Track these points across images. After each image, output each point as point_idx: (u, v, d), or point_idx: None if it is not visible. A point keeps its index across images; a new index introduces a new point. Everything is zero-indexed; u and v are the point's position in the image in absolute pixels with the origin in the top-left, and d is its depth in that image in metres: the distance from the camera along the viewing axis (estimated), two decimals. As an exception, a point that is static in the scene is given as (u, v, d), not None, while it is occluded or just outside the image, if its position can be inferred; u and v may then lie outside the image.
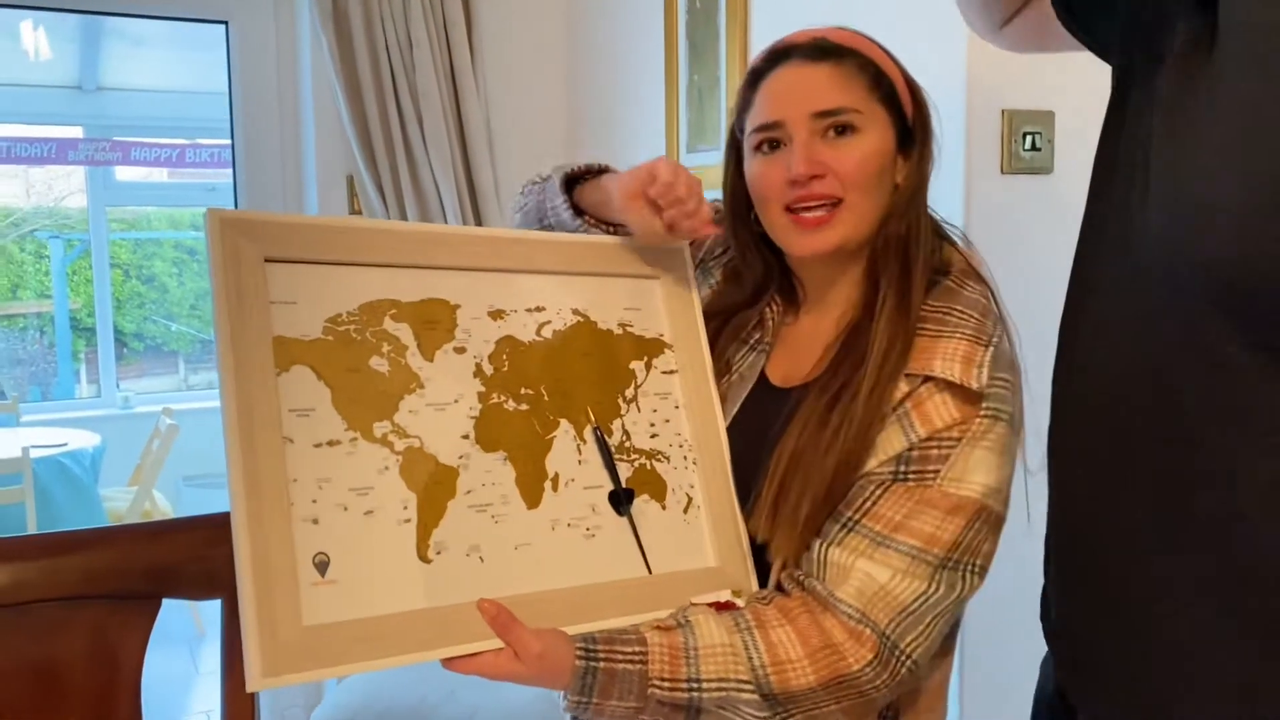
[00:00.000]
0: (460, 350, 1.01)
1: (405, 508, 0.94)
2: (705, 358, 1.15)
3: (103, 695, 1.18)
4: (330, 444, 0.92)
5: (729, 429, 1.15)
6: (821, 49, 1.08)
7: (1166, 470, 0.78)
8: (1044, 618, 0.99)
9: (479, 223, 2.39)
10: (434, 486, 0.96)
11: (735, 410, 1.16)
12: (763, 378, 1.16)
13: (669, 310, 1.16)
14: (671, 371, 1.14)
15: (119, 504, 4.42)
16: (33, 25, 5.02)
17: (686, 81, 2.28)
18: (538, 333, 1.07)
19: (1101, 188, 0.90)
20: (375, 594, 0.91)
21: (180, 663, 3.71)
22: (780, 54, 1.10)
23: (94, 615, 1.17)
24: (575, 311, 1.10)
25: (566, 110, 2.61)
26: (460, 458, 0.98)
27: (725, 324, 1.20)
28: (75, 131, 6.09)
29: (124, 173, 6.35)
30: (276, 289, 0.94)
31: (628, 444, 1.08)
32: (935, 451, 1.00)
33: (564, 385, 1.06)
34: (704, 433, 1.12)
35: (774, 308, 1.19)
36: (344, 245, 0.98)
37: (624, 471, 1.07)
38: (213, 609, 1.19)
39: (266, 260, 0.94)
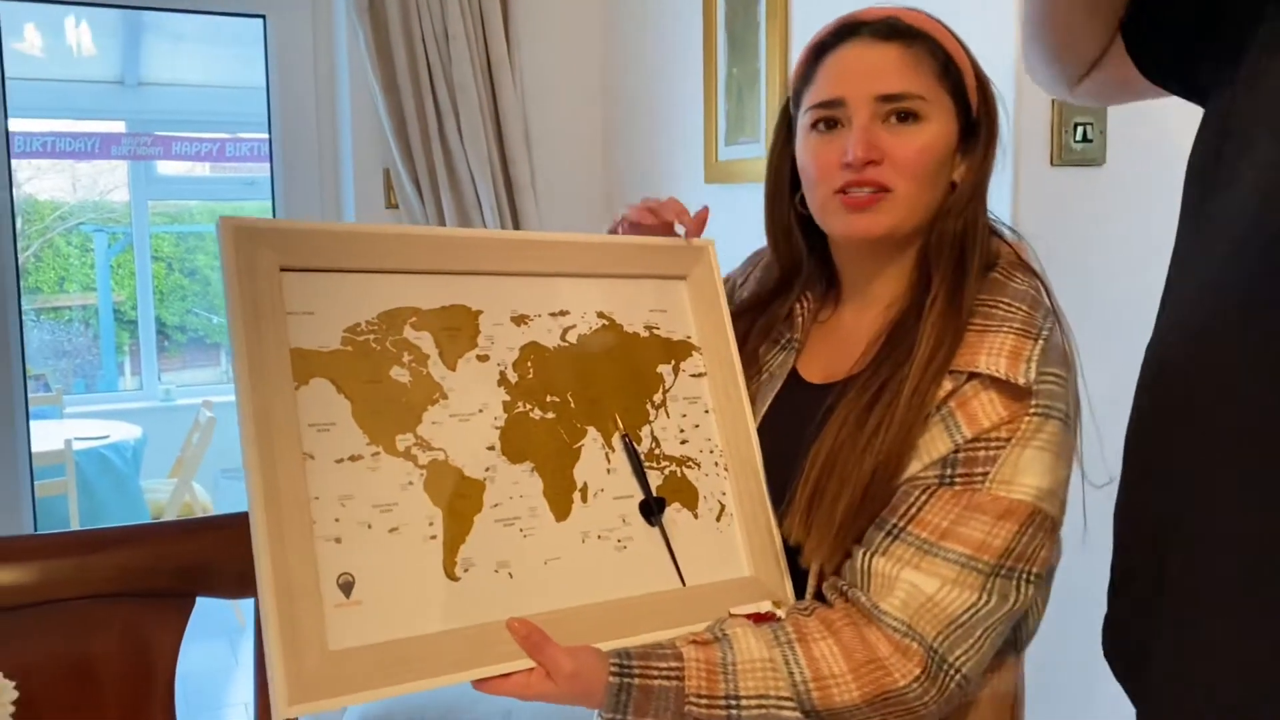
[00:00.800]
0: (483, 358, 0.99)
1: (431, 524, 0.92)
2: (734, 359, 1.12)
3: (137, 691, 1.18)
4: (352, 459, 0.90)
5: (760, 427, 1.11)
6: (892, 28, 1.03)
7: None
8: (1115, 653, 0.83)
9: (515, 216, 2.36)
10: (460, 501, 0.94)
11: (764, 410, 1.13)
12: (795, 376, 1.13)
13: (696, 311, 1.12)
14: (700, 374, 1.11)
15: (160, 496, 4.47)
16: (75, 22, 5.04)
17: (725, 74, 2.24)
18: (562, 338, 1.04)
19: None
20: (402, 615, 0.88)
21: (221, 655, 3.73)
22: (848, 29, 1.05)
23: (128, 612, 1.17)
24: (600, 314, 1.07)
25: (603, 105, 2.58)
26: (486, 470, 0.95)
27: (754, 322, 1.17)
28: (118, 126, 6.15)
29: (165, 167, 6.40)
30: (293, 299, 0.91)
31: (657, 451, 1.05)
32: (983, 453, 0.96)
33: (590, 392, 1.03)
34: (735, 437, 1.09)
35: (804, 303, 1.15)
36: (361, 252, 0.95)
37: (654, 480, 1.04)
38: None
39: (282, 269, 0.91)
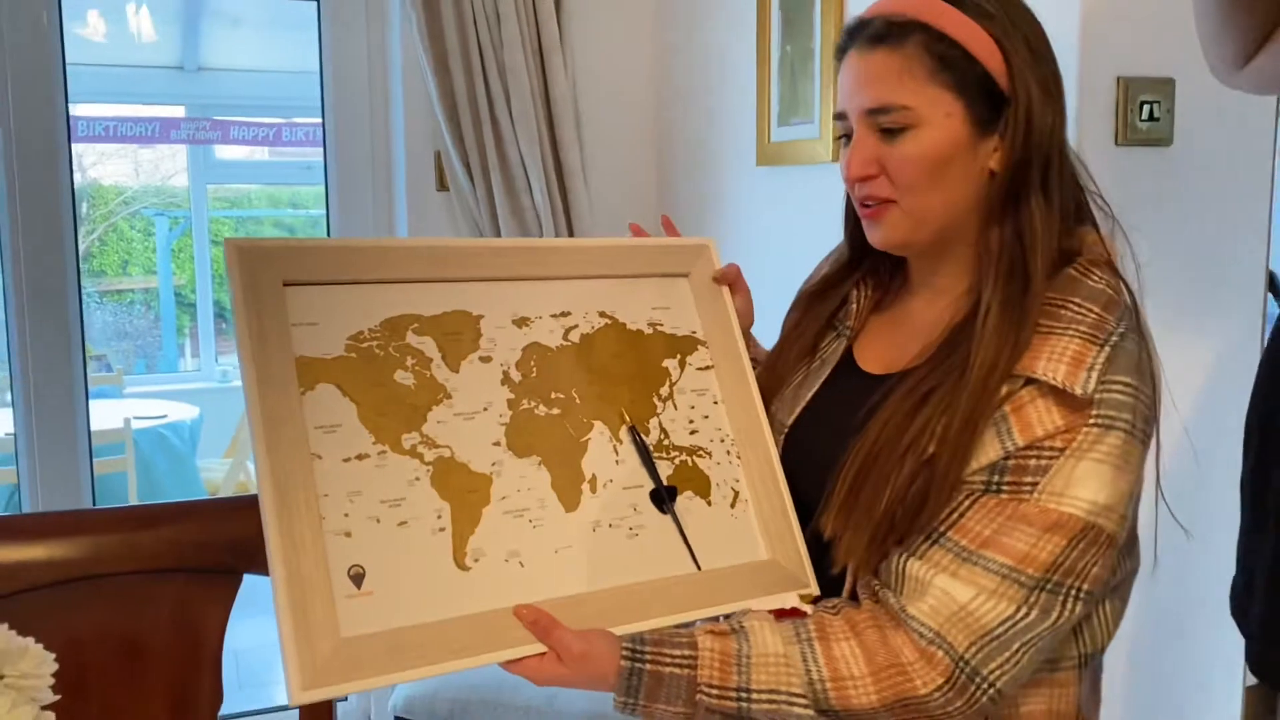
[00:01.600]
0: (486, 359, 1.02)
1: (439, 517, 0.94)
2: (741, 351, 1.13)
3: (185, 666, 1.19)
4: (359, 458, 0.93)
5: (803, 414, 1.10)
6: (880, 32, 0.98)
7: None
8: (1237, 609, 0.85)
9: (565, 199, 2.34)
10: (468, 494, 0.96)
11: (809, 396, 1.11)
12: (850, 363, 1.11)
13: (700, 306, 1.14)
14: (707, 367, 1.12)
15: (215, 475, 4.49)
16: (135, 8, 5.12)
17: (779, 54, 2.20)
18: (565, 337, 1.06)
19: None
20: (413, 603, 0.90)
21: (268, 632, 3.69)
22: (849, 34, 1.02)
23: (176, 588, 1.18)
24: (602, 314, 1.09)
25: (655, 86, 2.55)
26: (493, 465, 0.98)
27: (810, 309, 1.16)
28: (178, 111, 6.17)
29: (224, 151, 6.43)
30: (297, 311, 0.96)
31: (666, 442, 1.07)
32: (1034, 462, 0.91)
33: (596, 388, 1.05)
34: (746, 426, 1.10)
35: (861, 290, 1.13)
36: (360, 264, 0.99)
37: (665, 470, 1.05)
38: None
39: (285, 284, 0.96)
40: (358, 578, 0.89)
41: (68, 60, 2.18)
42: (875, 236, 1.03)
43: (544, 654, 0.91)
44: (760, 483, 1.08)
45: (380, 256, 1.01)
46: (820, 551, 1.03)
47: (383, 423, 0.95)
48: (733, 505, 1.07)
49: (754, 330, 1.24)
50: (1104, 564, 0.92)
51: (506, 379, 1.02)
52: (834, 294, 1.15)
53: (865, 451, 0.97)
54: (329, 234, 2.52)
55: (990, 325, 0.94)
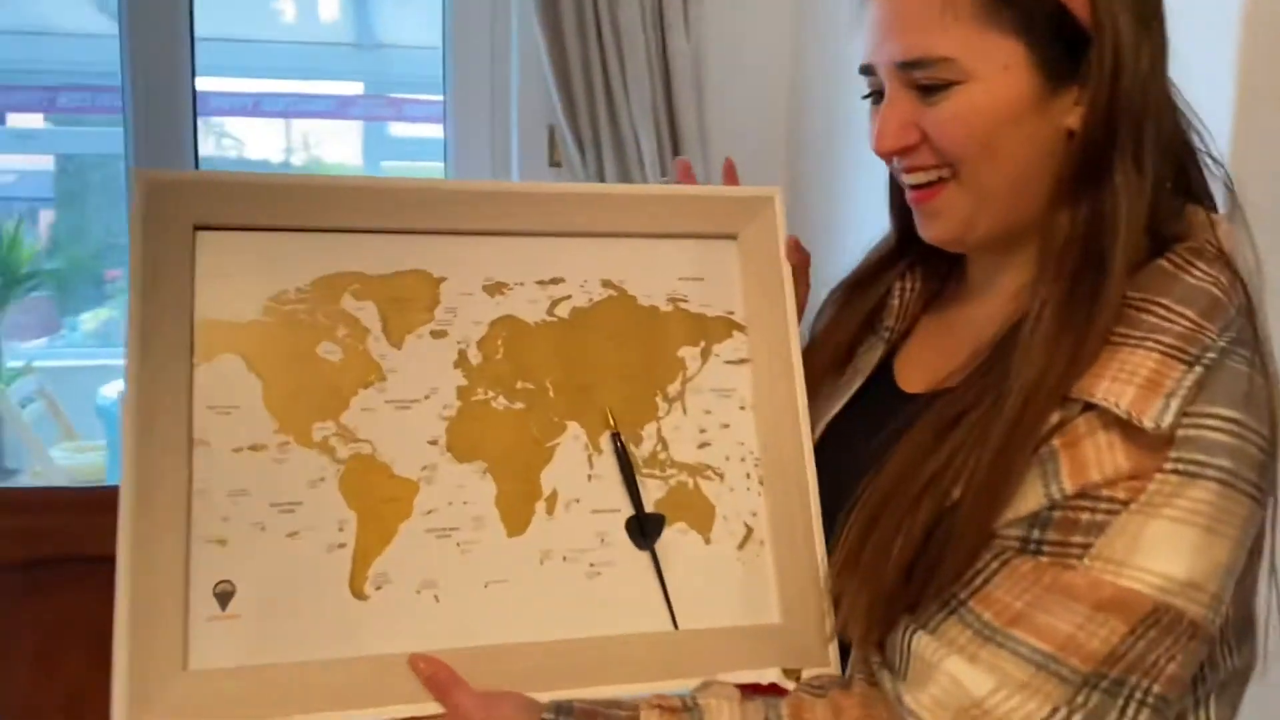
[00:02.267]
0: (440, 334, 0.82)
1: (341, 529, 0.77)
2: (793, 345, 0.87)
3: None
4: (254, 449, 0.77)
5: (824, 437, 0.87)
6: None
7: None
8: None
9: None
10: (383, 504, 0.78)
11: (832, 414, 0.87)
12: (885, 377, 0.87)
13: (746, 280, 0.89)
14: (740, 360, 0.87)
15: None
16: None
17: None
18: (550, 311, 0.85)
19: None
20: (288, 635, 0.74)
21: None
22: None
23: None
24: (607, 283, 0.86)
25: (792, 56, 2.21)
26: (424, 469, 0.79)
27: (846, 303, 0.92)
28: (355, 88, 6.40)
29: (396, 129, 6.64)
30: (207, 262, 0.79)
31: (663, 455, 0.84)
32: (1086, 516, 0.67)
33: (579, 378, 0.83)
34: (781, 445, 0.85)
35: (908, 281, 0.89)
36: (295, 206, 0.81)
37: (655, 491, 0.83)
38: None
39: (197, 228, 0.80)
40: (224, 596, 0.74)
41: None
42: (930, 230, 0.79)
43: (440, 716, 0.73)
44: (787, 522, 0.83)
45: (322, 197, 0.82)
46: None
47: (292, 406, 0.78)
48: (741, 546, 0.83)
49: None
50: (1185, 660, 0.67)
51: (462, 360, 0.82)
52: (874, 287, 0.91)
53: (878, 492, 0.74)
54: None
55: (1042, 331, 0.71)
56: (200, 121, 2.15)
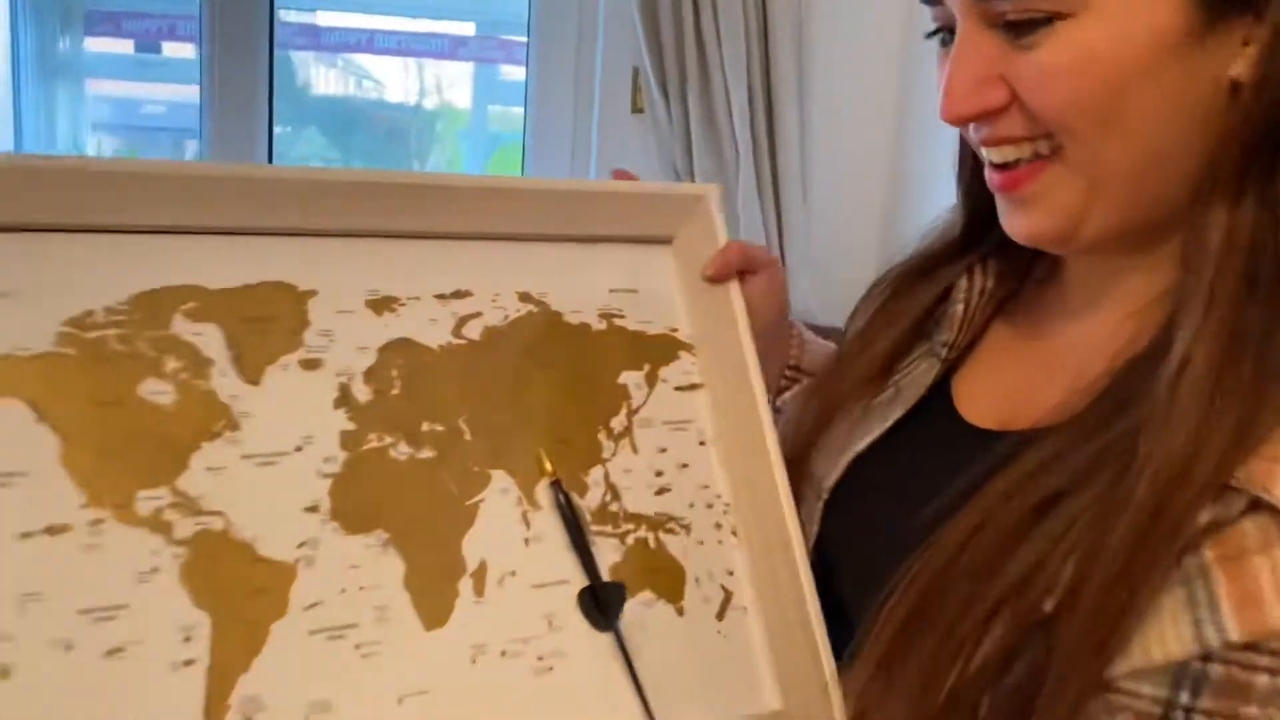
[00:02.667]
0: (312, 365, 0.61)
1: (187, 639, 0.54)
2: (749, 362, 0.71)
3: None
4: (50, 532, 0.53)
5: (852, 470, 0.68)
6: None
7: None
8: None
9: (770, 126, 1.90)
10: (246, 600, 0.55)
11: (865, 444, 0.68)
12: (940, 402, 0.67)
13: (689, 291, 0.72)
14: (692, 386, 0.70)
15: None
16: None
17: None
18: (456, 332, 0.65)
19: None
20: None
21: None
22: None
23: None
24: (524, 296, 0.68)
25: (908, 7, 1.94)
26: (300, 546, 0.57)
27: (893, 298, 0.73)
28: (467, 28, 6.15)
29: (508, 72, 6.39)
30: (-26, 275, 0.56)
31: (615, 507, 0.65)
32: (1264, 678, 0.46)
33: (501, 417, 0.64)
34: (753, 486, 0.68)
35: (976, 280, 0.69)
36: (103, 198, 0.59)
37: (610, 554, 0.64)
38: None
39: None
40: (9, 756, 0.50)
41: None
42: (1020, 224, 0.58)
43: None
44: (771, 580, 0.66)
45: (141, 187, 0.60)
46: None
47: (106, 470, 0.55)
48: (721, 615, 0.65)
49: None
50: None
51: (345, 398, 0.61)
52: (930, 285, 0.71)
53: (932, 572, 0.54)
54: (523, 162, 2.14)
55: (1191, 384, 0.50)
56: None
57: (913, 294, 0.71)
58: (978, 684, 0.50)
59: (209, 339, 0.59)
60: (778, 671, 0.64)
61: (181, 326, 0.59)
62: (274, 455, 0.58)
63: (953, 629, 0.51)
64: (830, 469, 0.69)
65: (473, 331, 0.66)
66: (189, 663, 0.53)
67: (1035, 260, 0.68)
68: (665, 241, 0.73)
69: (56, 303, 0.57)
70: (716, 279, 0.71)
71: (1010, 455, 0.54)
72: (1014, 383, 0.64)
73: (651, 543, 0.65)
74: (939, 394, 0.67)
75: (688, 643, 0.63)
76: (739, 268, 0.72)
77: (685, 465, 0.68)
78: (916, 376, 0.68)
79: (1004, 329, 0.69)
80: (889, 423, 0.67)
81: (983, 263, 0.69)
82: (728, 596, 0.66)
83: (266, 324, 0.61)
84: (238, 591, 0.55)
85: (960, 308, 0.68)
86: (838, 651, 0.61)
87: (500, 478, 0.63)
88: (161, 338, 0.58)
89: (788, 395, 0.81)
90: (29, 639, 0.51)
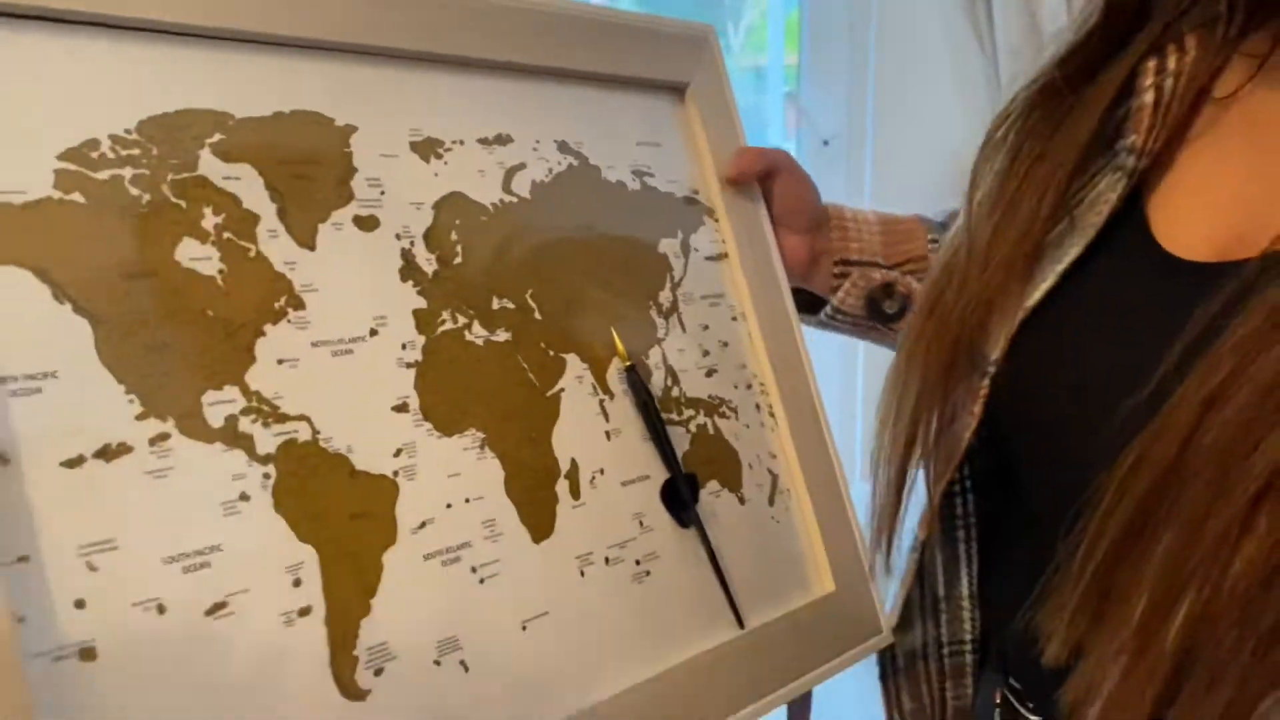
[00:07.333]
0: (368, 224, 0.48)
1: (297, 582, 0.42)
2: (766, 231, 0.67)
3: None
4: (105, 456, 0.38)
5: (1018, 339, 0.52)
6: None
7: None
8: None
9: None
10: (351, 526, 0.44)
11: (1040, 291, 0.52)
12: (1136, 228, 0.50)
13: (709, 148, 0.65)
14: (720, 256, 0.65)
15: None
16: None
17: None
18: (506, 188, 0.54)
19: None
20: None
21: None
22: None
23: None
24: (563, 146, 0.58)
25: None
26: (397, 455, 0.46)
27: (1055, 104, 0.54)
28: None
29: None
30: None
31: (676, 392, 0.59)
32: None
33: (562, 291, 0.55)
34: (785, 361, 0.65)
35: (1170, 59, 0.50)
36: None
37: (679, 444, 0.58)
38: None
39: None
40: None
41: None
42: None
43: None
44: (811, 459, 0.64)
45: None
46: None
47: (157, 366, 0.40)
48: (771, 500, 0.62)
49: None
50: None
51: (411, 267, 0.49)
52: (1103, 76, 0.52)
53: (1162, 461, 0.40)
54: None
55: None
56: None
57: (1064, 110, 0.53)
58: (1231, 606, 0.38)
59: (248, 186, 0.44)
60: (830, 553, 0.63)
61: (209, 166, 0.43)
62: (350, 341, 0.46)
63: (1196, 531, 0.38)
64: (993, 339, 0.53)
65: (522, 187, 0.55)
66: (304, 611, 0.41)
67: (1251, 14, 0.49)
68: (677, 89, 0.65)
69: (48, 132, 0.39)
70: (738, 180, 0.65)
71: (1245, 290, 0.40)
72: (1235, 198, 0.48)
73: (710, 429, 0.60)
74: (1128, 220, 0.51)
75: (751, 532, 0.60)
76: (762, 169, 0.66)
77: (725, 344, 0.63)
78: (1093, 199, 0.51)
79: (1215, 126, 0.50)
80: (1063, 264, 0.51)
81: (1175, 36, 0.50)
82: (774, 480, 0.63)
83: (310, 168, 0.46)
84: (340, 516, 0.43)
85: (1150, 97, 0.50)
86: (1026, 566, 0.49)
87: (574, 363, 0.54)
88: (191, 181, 0.43)
89: (845, 288, 0.71)
90: (110, 604, 0.37)
